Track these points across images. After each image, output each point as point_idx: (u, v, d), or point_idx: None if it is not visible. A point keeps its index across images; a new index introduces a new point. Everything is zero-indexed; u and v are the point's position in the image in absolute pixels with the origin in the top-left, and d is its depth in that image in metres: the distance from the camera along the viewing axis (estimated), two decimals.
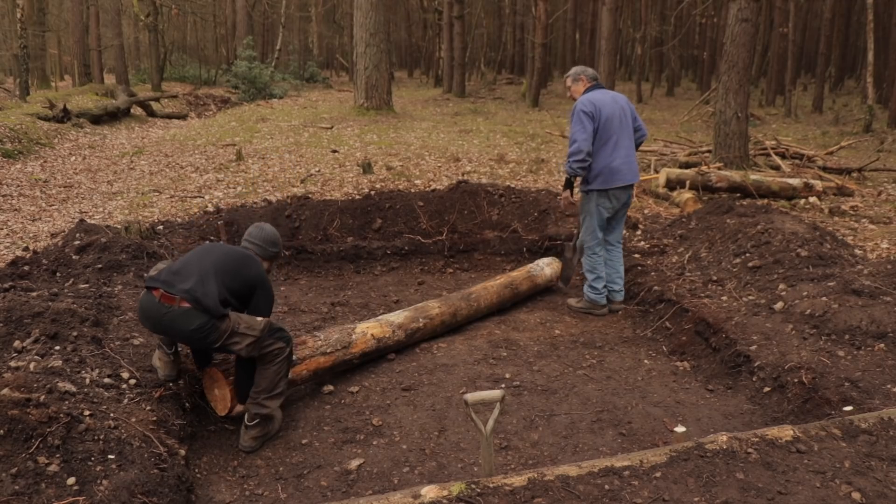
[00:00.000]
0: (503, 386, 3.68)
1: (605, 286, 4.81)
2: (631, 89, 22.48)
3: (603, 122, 4.52)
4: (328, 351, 3.71)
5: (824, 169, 9.10)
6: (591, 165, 4.59)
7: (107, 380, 2.95)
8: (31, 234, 6.02)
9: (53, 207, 7.10)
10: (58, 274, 4.24)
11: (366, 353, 3.92)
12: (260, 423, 3.11)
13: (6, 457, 2.24)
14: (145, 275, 3.02)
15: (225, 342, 2.99)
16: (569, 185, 4.79)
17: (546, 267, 5.27)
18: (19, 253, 5.20)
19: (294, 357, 3.39)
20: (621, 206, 4.75)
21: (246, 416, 3.11)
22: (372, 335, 3.96)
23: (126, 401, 2.86)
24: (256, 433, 3.11)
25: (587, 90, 4.69)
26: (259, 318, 3.10)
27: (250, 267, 3.20)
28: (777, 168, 9.11)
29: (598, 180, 4.59)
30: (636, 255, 5.52)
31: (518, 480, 2.23)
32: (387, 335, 4.03)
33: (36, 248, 5.32)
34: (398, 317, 4.18)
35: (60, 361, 2.94)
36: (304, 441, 3.15)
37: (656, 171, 9.03)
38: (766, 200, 7.43)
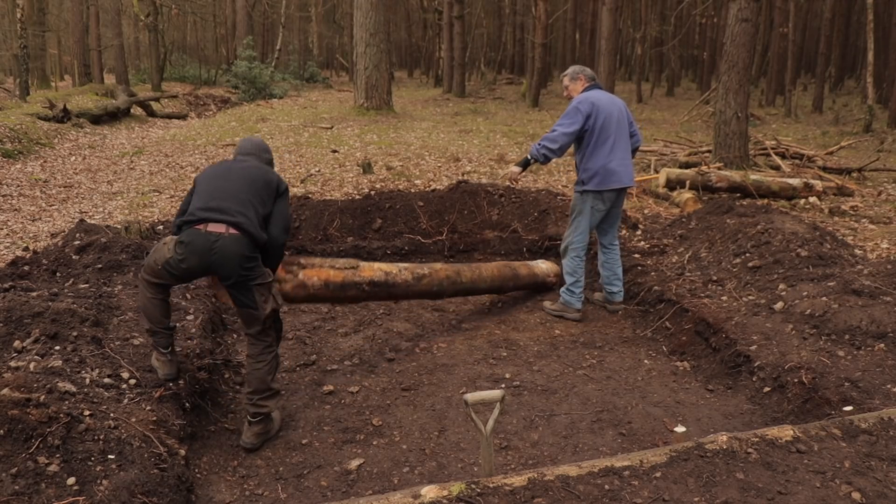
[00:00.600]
0: (503, 386, 3.69)
1: (582, 291, 4.73)
2: (631, 89, 22.49)
3: (601, 123, 4.45)
4: (338, 267, 3.86)
5: (824, 169, 9.10)
6: (585, 166, 4.54)
7: (107, 380, 2.95)
8: (31, 234, 6.02)
9: (53, 207, 7.10)
10: (58, 274, 4.24)
11: (374, 281, 3.99)
12: (262, 421, 3.13)
13: (6, 457, 2.24)
14: (176, 220, 3.09)
15: (257, 289, 3.02)
16: (525, 164, 4.64)
17: (542, 263, 5.30)
18: (19, 253, 5.20)
19: (301, 275, 3.62)
20: (613, 208, 4.71)
21: (249, 416, 3.12)
22: (379, 268, 4.11)
23: (126, 401, 2.86)
24: (259, 430, 3.12)
25: (585, 89, 4.64)
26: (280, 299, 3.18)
27: (270, 176, 3.20)
28: (777, 168, 9.11)
29: (594, 181, 4.53)
30: (636, 255, 5.52)
31: (518, 480, 2.23)
32: (394, 271, 4.15)
33: (36, 248, 5.32)
34: (404, 264, 4.36)
35: (60, 361, 2.94)
36: (304, 441, 3.15)
37: (656, 171, 9.03)
38: (766, 200, 7.43)
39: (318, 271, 3.84)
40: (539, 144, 4.48)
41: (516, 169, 4.69)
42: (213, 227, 2.92)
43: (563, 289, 4.79)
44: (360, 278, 3.98)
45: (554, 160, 4.72)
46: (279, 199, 3.19)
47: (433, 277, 4.39)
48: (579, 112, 4.43)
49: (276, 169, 8.74)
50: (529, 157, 4.58)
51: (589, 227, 4.68)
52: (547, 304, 4.92)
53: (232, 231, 2.92)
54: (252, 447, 3.09)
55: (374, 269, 4.07)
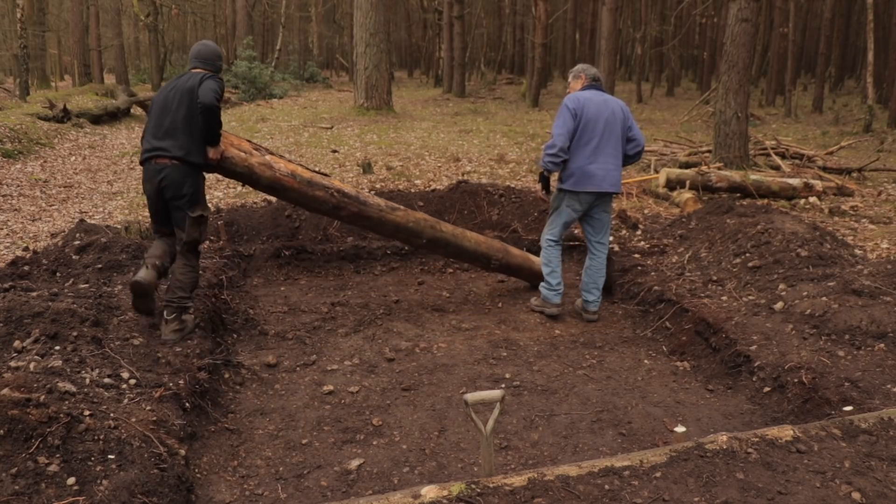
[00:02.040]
0: (503, 386, 3.69)
1: (560, 283, 4.71)
2: (631, 89, 22.49)
3: (585, 123, 4.39)
4: (308, 168, 4.29)
5: (824, 169, 9.10)
6: (566, 164, 4.49)
7: (107, 380, 2.95)
8: (31, 234, 6.03)
9: (53, 207, 7.10)
10: (58, 274, 4.24)
11: (344, 192, 4.32)
12: (177, 318, 3.66)
13: (6, 457, 2.24)
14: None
15: (191, 220, 3.70)
16: (543, 179, 4.66)
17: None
18: (19, 253, 5.20)
19: (268, 157, 4.11)
20: (595, 211, 4.61)
21: (165, 312, 3.64)
22: (353, 187, 4.48)
23: (126, 401, 2.86)
24: (176, 326, 3.65)
25: (583, 88, 4.58)
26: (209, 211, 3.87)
27: (196, 89, 3.63)
28: (777, 168, 9.11)
29: (571, 181, 4.47)
30: (636, 255, 5.52)
31: (518, 480, 2.23)
32: (365, 191, 4.51)
33: (36, 248, 5.32)
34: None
35: (60, 361, 2.94)
36: (304, 441, 3.15)
37: (656, 171, 9.04)
38: (766, 200, 7.43)
39: (288, 163, 4.20)
40: (543, 155, 4.50)
41: (538, 188, 4.75)
42: (160, 161, 3.59)
43: (541, 283, 4.80)
44: (329, 183, 4.28)
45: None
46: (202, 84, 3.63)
47: (409, 214, 4.57)
48: (567, 110, 4.42)
49: None
50: (542, 171, 4.62)
51: (564, 225, 4.67)
52: (532, 300, 4.94)
53: (174, 162, 3.58)
54: (173, 342, 3.59)
55: (345, 184, 4.46)
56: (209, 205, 4.62)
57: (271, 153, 4.15)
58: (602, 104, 4.45)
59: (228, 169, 3.97)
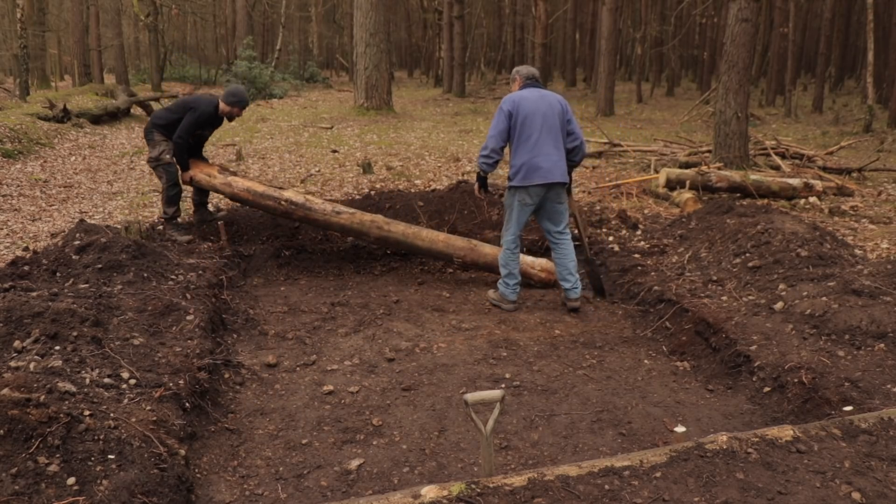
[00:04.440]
0: (503, 386, 3.68)
1: (517, 283, 4.85)
2: (631, 89, 22.49)
3: (522, 119, 4.51)
4: (264, 183, 5.52)
5: (824, 169, 9.10)
6: (511, 162, 4.63)
7: (107, 380, 2.95)
8: (31, 234, 6.02)
9: (53, 207, 7.10)
10: (58, 274, 4.24)
11: (292, 200, 5.28)
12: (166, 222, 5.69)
13: (6, 457, 2.24)
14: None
15: (150, 143, 5.59)
16: (479, 179, 4.87)
17: (527, 257, 5.41)
18: (19, 253, 5.20)
19: (229, 178, 5.55)
20: (548, 204, 4.70)
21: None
22: (301, 195, 5.40)
23: (126, 401, 2.86)
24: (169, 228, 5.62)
25: (520, 89, 4.72)
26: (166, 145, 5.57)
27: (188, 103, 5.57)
28: (777, 168, 9.11)
29: (518, 177, 4.58)
30: (636, 255, 5.52)
31: (518, 480, 2.23)
32: (316, 201, 5.35)
33: (36, 248, 5.32)
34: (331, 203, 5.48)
35: (60, 361, 2.94)
36: (304, 441, 3.15)
37: (656, 171, 9.03)
38: (766, 200, 7.43)
39: (245, 180, 5.51)
40: (479, 156, 4.70)
41: (476, 187, 4.96)
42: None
43: (500, 280, 4.93)
44: (278, 194, 5.32)
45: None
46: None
47: (354, 217, 5.25)
48: (501, 111, 4.56)
49: (276, 169, 8.79)
50: (479, 172, 4.83)
51: (518, 223, 4.75)
52: (490, 292, 5.08)
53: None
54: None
55: (296, 194, 5.38)
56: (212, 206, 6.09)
57: (234, 174, 5.59)
58: (538, 99, 4.58)
59: (197, 187, 5.74)
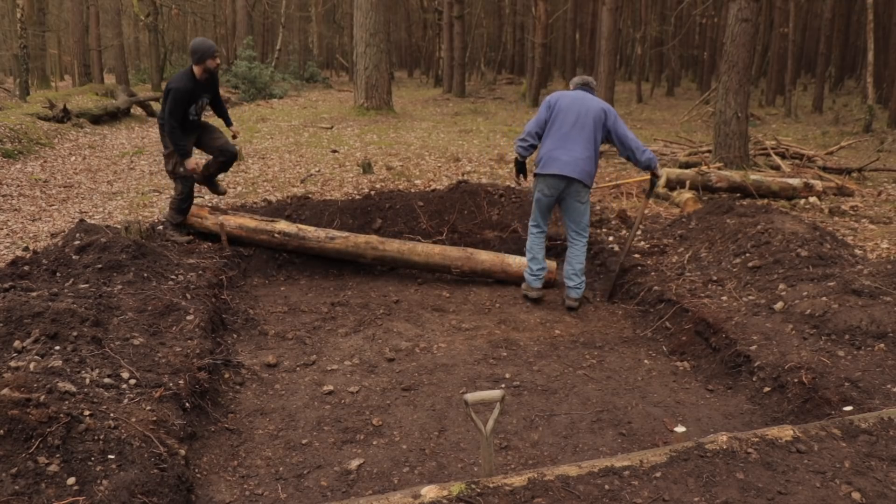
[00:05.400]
0: (503, 386, 3.68)
1: (541, 269, 4.99)
2: (631, 89, 22.49)
3: (556, 113, 4.75)
4: (257, 217, 5.55)
5: (824, 169, 9.10)
6: (539, 151, 4.85)
7: (107, 380, 2.95)
8: (31, 234, 6.02)
9: (53, 207, 7.10)
10: (58, 274, 4.24)
11: (285, 232, 5.39)
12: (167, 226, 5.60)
13: (6, 457, 2.24)
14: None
15: (166, 157, 5.47)
16: (517, 164, 5.07)
17: (524, 258, 5.40)
18: (19, 253, 5.20)
19: (220, 217, 5.55)
20: (567, 199, 4.81)
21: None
22: (295, 225, 5.51)
23: (126, 401, 2.86)
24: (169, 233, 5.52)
25: (572, 90, 4.95)
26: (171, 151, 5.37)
27: (167, 87, 5.20)
28: (777, 168, 9.11)
29: (539, 165, 4.80)
30: (636, 255, 5.51)
31: (518, 480, 2.23)
32: (309, 229, 5.43)
33: (36, 248, 5.32)
34: (327, 229, 5.55)
35: (60, 361, 2.94)
36: (304, 441, 3.15)
37: None
38: (766, 200, 7.43)
39: (236, 217, 5.57)
40: (516, 141, 4.97)
41: (514, 170, 5.16)
42: None
43: (525, 269, 5.11)
44: (271, 227, 5.39)
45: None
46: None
47: (349, 240, 5.36)
48: (544, 103, 4.87)
49: (276, 169, 8.79)
50: (517, 157, 5.05)
51: (539, 211, 4.95)
52: (522, 285, 5.20)
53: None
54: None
55: (288, 225, 5.42)
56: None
57: (224, 213, 5.66)
58: (579, 100, 4.77)
59: (191, 230, 5.64)
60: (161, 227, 5.76)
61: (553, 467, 2.33)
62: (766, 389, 3.42)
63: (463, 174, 8.66)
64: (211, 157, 5.69)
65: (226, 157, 5.65)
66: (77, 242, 4.66)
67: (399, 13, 37.06)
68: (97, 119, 14.14)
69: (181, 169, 5.36)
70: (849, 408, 2.95)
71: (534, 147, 4.90)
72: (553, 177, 4.72)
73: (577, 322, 4.72)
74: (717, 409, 3.45)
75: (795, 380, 3.27)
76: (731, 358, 3.76)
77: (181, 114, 5.20)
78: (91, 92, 18.23)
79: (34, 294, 3.59)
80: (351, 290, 5.26)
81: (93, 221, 5.89)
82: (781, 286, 4.25)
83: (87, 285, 4.04)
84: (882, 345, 3.41)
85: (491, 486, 2.20)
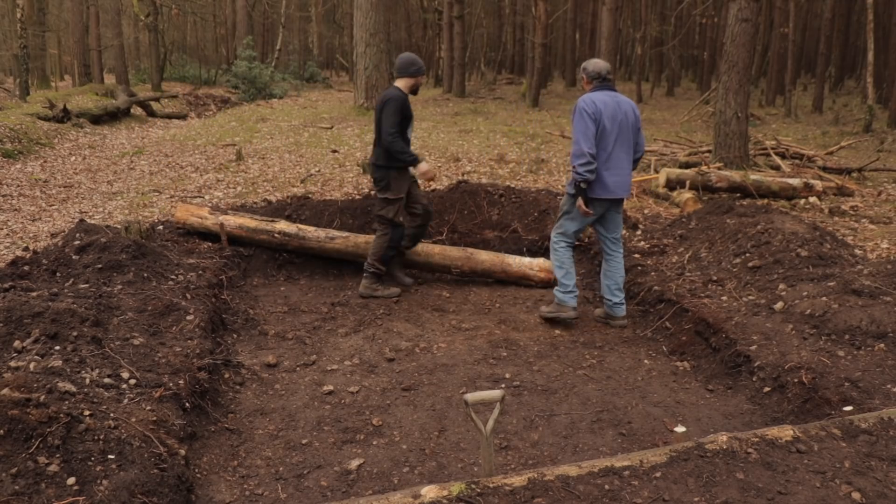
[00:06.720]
0: (503, 386, 3.69)
1: (574, 284, 4.52)
2: (631, 89, 22.48)
3: (601, 130, 4.26)
4: (256, 218, 5.52)
5: (824, 169, 9.10)
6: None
7: (107, 380, 2.95)
8: (31, 234, 6.02)
9: (53, 207, 7.10)
10: (58, 274, 4.24)
11: (285, 232, 5.39)
12: (370, 277, 5.04)
13: (6, 457, 2.24)
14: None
15: (379, 191, 5.00)
16: (580, 192, 4.34)
17: (525, 258, 5.47)
18: (19, 253, 5.20)
19: (220, 217, 5.51)
20: (607, 213, 4.51)
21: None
22: (295, 225, 5.50)
23: (126, 401, 2.86)
24: (368, 283, 5.06)
25: (592, 90, 4.41)
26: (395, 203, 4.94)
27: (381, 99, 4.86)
28: (777, 168, 9.11)
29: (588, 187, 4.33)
30: (636, 255, 5.51)
31: (518, 480, 2.23)
32: (309, 229, 5.46)
33: (36, 248, 5.32)
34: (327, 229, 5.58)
35: (60, 361, 2.94)
36: (304, 441, 3.15)
37: (656, 171, 9.04)
38: (766, 200, 7.43)
39: (236, 217, 5.55)
40: (575, 166, 4.27)
41: (580, 203, 4.40)
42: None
43: (555, 288, 4.60)
44: (271, 227, 5.42)
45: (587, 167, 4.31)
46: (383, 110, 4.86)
47: (348, 240, 5.40)
48: (584, 115, 4.25)
49: (276, 169, 8.79)
50: (577, 182, 4.33)
51: (576, 231, 4.55)
52: (543, 308, 4.69)
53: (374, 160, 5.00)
54: (365, 296, 5.08)
55: (288, 225, 5.46)
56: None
57: (225, 213, 5.62)
58: (616, 108, 4.32)
59: (191, 230, 5.61)
60: (161, 228, 5.76)
61: (553, 467, 2.33)
62: (766, 389, 3.42)
63: (463, 174, 8.66)
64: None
65: (425, 220, 5.22)
66: (77, 242, 4.66)
67: (399, 13, 37.05)
68: (97, 119, 14.15)
69: (401, 218, 4.98)
70: (849, 408, 2.95)
71: (596, 166, 4.29)
72: (602, 200, 4.39)
73: (577, 322, 4.72)
74: (717, 409, 3.45)
75: (795, 380, 3.28)
76: (731, 358, 3.76)
77: (400, 125, 4.80)
78: (91, 92, 18.23)
79: (34, 294, 3.59)
80: (351, 290, 5.26)
81: (93, 221, 5.89)
82: (781, 286, 4.25)
83: (87, 285, 4.04)
84: (882, 345, 3.41)
85: (491, 486, 2.20)
